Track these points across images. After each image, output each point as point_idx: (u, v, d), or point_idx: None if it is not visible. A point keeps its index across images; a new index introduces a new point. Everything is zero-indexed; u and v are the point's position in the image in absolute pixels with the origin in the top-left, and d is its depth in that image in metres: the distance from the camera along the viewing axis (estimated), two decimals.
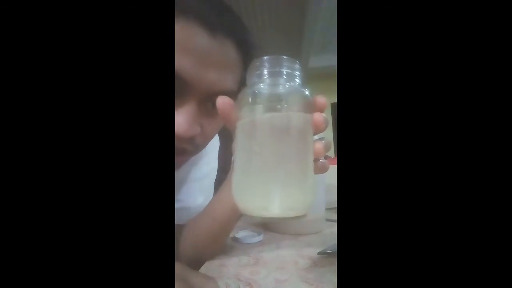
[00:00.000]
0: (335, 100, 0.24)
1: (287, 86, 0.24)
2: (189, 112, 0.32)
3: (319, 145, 0.25)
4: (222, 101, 0.26)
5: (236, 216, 0.41)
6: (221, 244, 0.45)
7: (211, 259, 0.42)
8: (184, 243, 0.43)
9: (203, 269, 0.39)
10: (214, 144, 0.59)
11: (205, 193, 0.55)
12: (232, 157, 0.36)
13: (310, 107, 0.25)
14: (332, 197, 0.42)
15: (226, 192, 0.41)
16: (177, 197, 0.52)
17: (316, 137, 0.26)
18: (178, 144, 0.32)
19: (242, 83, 0.36)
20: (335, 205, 0.67)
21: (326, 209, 0.61)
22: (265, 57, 0.24)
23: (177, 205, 0.51)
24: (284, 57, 0.24)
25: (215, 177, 0.59)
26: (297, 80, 0.25)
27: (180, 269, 0.29)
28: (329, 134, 0.27)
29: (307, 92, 0.25)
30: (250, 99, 0.24)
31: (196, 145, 0.35)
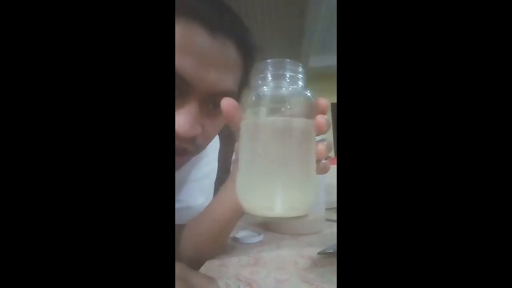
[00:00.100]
0: (335, 100, 0.24)
1: (290, 88, 0.25)
2: (190, 112, 0.32)
3: (321, 147, 0.26)
4: (227, 103, 0.26)
5: (237, 216, 0.41)
6: (221, 244, 0.45)
7: (211, 259, 0.42)
8: (184, 243, 0.43)
9: (203, 269, 0.39)
10: (215, 145, 0.59)
11: (205, 193, 0.55)
12: (232, 157, 0.36)
13: (313, 109, 0.25)
14: (332, 197, 0.42)
15: (227, 192, 0.41)
16: (177, 197, 0.52)
17: (317, 138, 0.26)
18: (179, 144, 0.32)
19: (242, 83, 0.36)
20: (335, 205, 0.67)
21: (326, 209, 0.61)
22: (268, 60, 0.25)
23: (177, 205, 0.51)
24: (288, 60, 0.25)
25: (215, 177, 0.59)
26: (300, 83, 0.25)
27: (180, 269, 0.29)
28: (329, 135, 0.27)
29: (309, 94, 0.25)
30: (254, 101, 0.25)
31: (197, 145, 0.35)
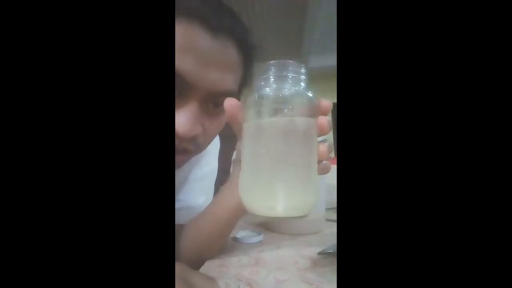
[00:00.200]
0: (335, 100, 0.24)
1: (292, 90, 0.25)
2: (190, 112, 0.32)
3: (323, 148, 0.26)
4: (229, 103, 0.26)
5: (237, 216, 0.41)
6: (221, 244, 0.45)
7: (211, 259, 0.42)
8: (184, 243, 0.43)
9: (203, 269, 0.39)
10: (215, 145, 0.59)
11: (206, 193, 0.55)
12: (233, 157, 0.36)
13: (315, 110, 0.25)
14: (332, 197, 0.42)
15: (227, 192, 0.41)
16: (177, 197, 0.52)
17: (319, 138, 0.26)
18: (180, 143, 0.32)
19: (242, 83, 0.36)
20: (335, 205, 0.67)
21: (326, 209, 0.61)
22: (271, 62, 0.25)
23: (177, 205, 0.51)
24: (290, 61, 0.25)
25: (216, 177, 0.59)
26: (303, 84, 0.25)
27: (180, 269, 0.29)
28: (329, 135, 0.27)
29: (311, 95, 0.25)
30: (256, 102, 0.25)
31: (198, 145, 0.35)
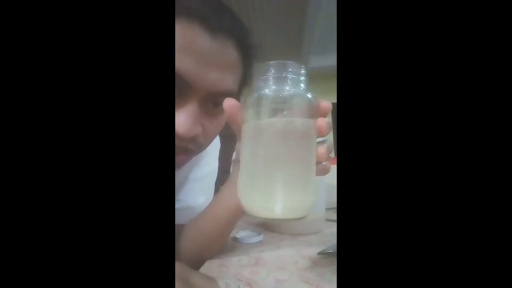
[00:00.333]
0: (335, 100, 0.24)
1: (292, 91, 0.25)
2: (190, 112, 0.32)
3: (322, 150, 0.26)
4: (228, 103, 0.26)
5: (237, 216, 0.41)
6: (221, 244, 0.45)
7: (211, 259, 0.42)
8: (185, 243, 0.43)
9: (203, 269, 0.39)
10: (215, 145, 0.59)
11: (206, 193, 0.55)
12: (232, 157, 0.36)
13: (314, 111, 0.25)
14: (332, 197, 0.42)
15: (227, 192, 0.41)
16: (177, 197, 0.52)
17: (318, 139, 0.26)
18: (180, 143, 0.32)
19: (242, 83, 0.37)
20: (335, 205, 0.67)
21: (326, 209, 0.61)
22: (271, 62, 0.25)
23: (177, 205, 0.51)
24: (290, 62, 0.25)
25: (216, 177, 0.59)
26: (302, 85, 0.25)
27: (180, 269, 0.29)
28: (329, 135, 0.27)
29: (311, 97, 0.25)
30: (255, 102, 0.25)
31: (199, 145, 0.35)
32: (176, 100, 0.31)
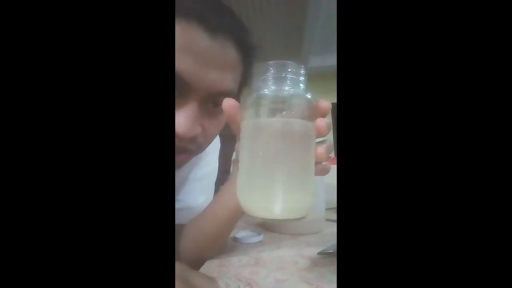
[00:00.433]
0: (335, 100, 0.24)
1: (291, 91, 0.25)
2: (190, 112, 0.32)
3: (321, 150, 0.26)
4: (228, 103, 0.26)
5: (237, 216, 0.41)
6: (221, 244, 0.45)
7: (211, 259, 0.42)
8: (184, 243, 0.43)
9: (203, 269, 0.39)
10: (215, 145, 0.59)
11: (206, 193, 0.55)
12: (232, 157, 0.36)
13: (313, 111, 0.25)
14: (332, 197, 0.42)
15: (227, 192, 0.41)
16: (177, 196, 0.52)
17: (318, 139, 0.26)
18: (180, 144, 0.32)
19: (242, 83, 0.36)
20: (335, 205, 0.67)
21: (326, 209, 0.61)
22: (270, 62, 0.25)
23: (177, 205, 0.51)
24: (290, 62, 0.25)
25: (216, 177, 0.59)
26: (301, 85, 0.25)
27: (180, 269, 0.29)
28: (329, 135, 0.27)
29: (310, 97, 0.25)
30: (254, 103, 0.25)
31: (199, 145, 0.35)
32: (176, 100, 0.31)
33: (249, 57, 0.36)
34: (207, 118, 0.34)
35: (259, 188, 0.24)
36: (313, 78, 0.25)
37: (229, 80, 0.33)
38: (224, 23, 0.32)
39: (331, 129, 0.26)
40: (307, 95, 0.25)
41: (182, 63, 0.29)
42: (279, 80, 0.25)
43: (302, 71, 0.25)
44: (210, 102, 0.33)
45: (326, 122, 0.25)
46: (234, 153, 0.35)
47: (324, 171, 0.27)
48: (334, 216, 0.62)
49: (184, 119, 0.31)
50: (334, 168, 0.29)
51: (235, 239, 0.52)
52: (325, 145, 0.26)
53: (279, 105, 0.24)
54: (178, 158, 0.34)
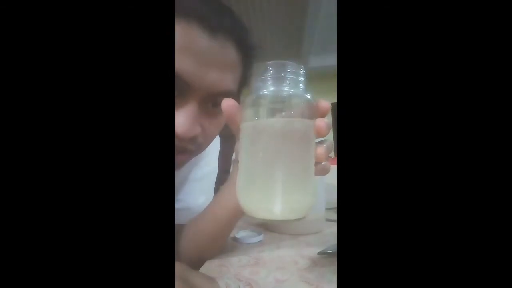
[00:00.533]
0: (335, 100, 0.24)
1: (291, 92, 0.25)
2: (189, 112, 0.32)
3: (321, 150, 0.26)
4: (227, 104, 0.26)
5: (237, 216, 0.41)
6: (221, 244, 0.45)
7: (211, 259, 0.42)
8: (184, 243, 0.43)
9: (203, 269, 0.39)
10: (215, 145, 0.59)
11: (206, 193, 0.55)
12: (232, 157, 0.36)
13: (313, 111, 0.25)
14: (332, 197, 0.42)
15: (227, 192, 0.41)
16: (177, 197, 0.52)
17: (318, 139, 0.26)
18: (179, 144, 0.32)
19: (241, 83, 0.36)
20: (335, 205, 0.67)
21: (326, 209, 0.61)
22: (270, 62, 0.25)
23: (177, 205, 0.51)
24: (289, 62, 0.25)
25: (216, 177, 0.59)
26: (301, 85, 0.25)
27: (180, 269, 0.29)
28: (329, 135, 0.27)
29: (309, 97, 0.25)
30: (254, 103, 0.25)
31: (198, 145, 0.35)
32: (175, 100, 0.31)
33: (249, 57, 0.36)
34: (206, 118, 0.34)
35: (259, 189, 0.24)
36: (313, 78, 0.25)
37: (228, 80, 0.33)
38: (224, 23, 0.32)
39: (331, 129, 0.26)
40: (307, 95, 0.25)
41: (182, 63, 0.29)
42: (279, 80, 0.25)
43: (302, 71, 0.25)
44: (210, 102, 0.33)
45: (326, 122, 0.25)
46: (234, 153, 0.35)
47: (324, 171, 0.27)
48: (334, 216, 0.62)
49: (183, 119, 0.31)
50: (334, 168, 0.29)
51: (235, 239, 0.52)
52: (325, 145, 0.26)
53: (279, 105, 0.24)
54: (177, 158, 0.34)
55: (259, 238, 0.52)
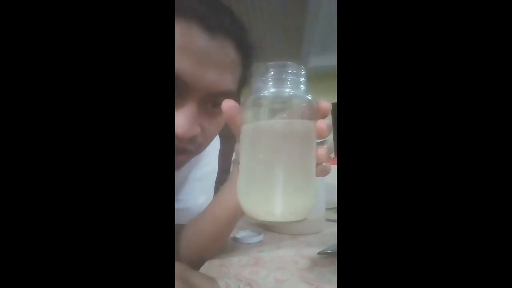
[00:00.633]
0: (335, 100, 0.24)
1: (292, 93, 0.24)
2: (189, 112, 0.32)
3: (321, 151, 0.25)
4: (227, 105, 0.26)
5: (237, 216, 0.41)
6: (221, 244, 0.45)
7: (211, 259, 0.42)
8: (184, 243, 0.43)
9: (203, 269, 0.39)
10: (215, 145, 0.59)
11: (206, 193, 0.55)
12: (232, 157, 0.36)
13: (314, 112, 0.25)
14: (332, 197, 0.42)
15: (227, 193, 0.41)
16: (177, 197, 0.52)
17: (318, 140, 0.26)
18: (179, 144, 0.32)
19: (241, 83, 0.36)
20: (335, 205, 0.67)
21: (326, 209, 0.61)
22: (270, 63, 0.25)
23: (177, 205, 0.51)
24: (289, 63, 0.25)
25: (216, 177, 0.59)
26: (302, 86, 0.25)
27: (180, 269, 0.29)
28: (329, 135, 0.27)
29: (310, 98, 0.25)
30: (254, 104, 0.25)
31: (198, 145, 0.35)
32: (175, 101, 0.31)
33: (248, 57, 0.36)
34: (206, 118, 0.34)
35: (260, 191, 0.24)
36: (313, 78, 0.25)
37: (228, 80, 0.33)
38: (223, 23, 0.32)
39: (332, 130, 0.26)
40: (308, 96, 0.25)
41: (181, 63, 0.29)
42: (279, 81, 0.24)
43: (303, 72, 0.25)
44: (209, 102, 0.33)
45: (327, 124, 0.25)
46: (234, 153, 0.35)
47: (324, 172, 0.27)
48: (334, 216, 0.62)
49: (183, 120, 0.31)
50: (334, 168, 0.29)
51: (235, 239, 0.52)
52: (325, 146, 0.26)
53: (280, 106, 0.24)
54: (177, 158, 0.34)
55: (259, 238, 0.52)
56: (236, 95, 0.35)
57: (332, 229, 0.58)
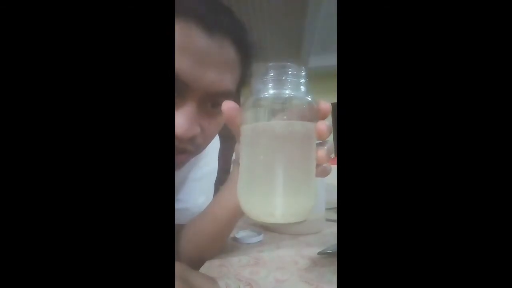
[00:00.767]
0: (335, 100, 0.24)
1: (292, 94, 0.24)
2: (188, 112, 0.32)
3: (321, 152, 0.25)
4: (227, 106, 0.26)
5: (236, 216, 0.41)
6: (221, 244, 0.45)
7: (211, 259, 0.42)
8: (184, 243, 0.43)
9: (203, 269, 0.39)
10: (215, 145, 0.59)
11: (206, 193, 0.55)
12: (232, 157, 0.36)
13: (314, 113, 0.25)
14: (332, 197, 0.42)
15: (227, 193, 0.41)
16: (177, 197, 0.52)
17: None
18: (179, 144, 0.32)
19: (240, 83, 0.36)
20: (335, 205, 0.67)
21: (326, 209, 0.61)
22: (270, 64, 0.25)
23: (177, 205, 0.51)
24: (289, 64, 0.24)
25: (215, 177, 0.59)
26: (302, 87, 0.25)
27: (180, 269, 0.29)
28: (330, 136, 0.27)
29: (310, 99, 0.25)
30: (254, 105, 0.25)
31: (197, 145, 0.35)
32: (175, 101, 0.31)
33: (248, 57, 0.36)
34: (205, 118, 0.34)
35: (260, 193, 0.24)
36: (313, 78, 0.25)
37: (227, 80, 0.33)
38: (222, 22, 0.32)
39: (332, 132, 0.26)
40: (308, 97, 0.25)
41: (180, 63, 0.29)
42: (279, 82, 0.24)
43: (303, 73, 0.25)
44: (209, 102, 0.33)
45: (327, 125, 0.25)
46: (234, 153, 0.35)
47: (325, 173, 0.27)
48: (334, 216, 0.62)
49: (182, 120, 0.31)
50: (334, 168, 0.29)
51: (235, 239, 0.52)
52: (325, 147, 0.26)
53: (280, 108, 0.24)
54: (177, 158, 0.34)
55: (259, 238, 0.52)
56: (235, 95, 0.35)
57: (332, 229, 0.58)
